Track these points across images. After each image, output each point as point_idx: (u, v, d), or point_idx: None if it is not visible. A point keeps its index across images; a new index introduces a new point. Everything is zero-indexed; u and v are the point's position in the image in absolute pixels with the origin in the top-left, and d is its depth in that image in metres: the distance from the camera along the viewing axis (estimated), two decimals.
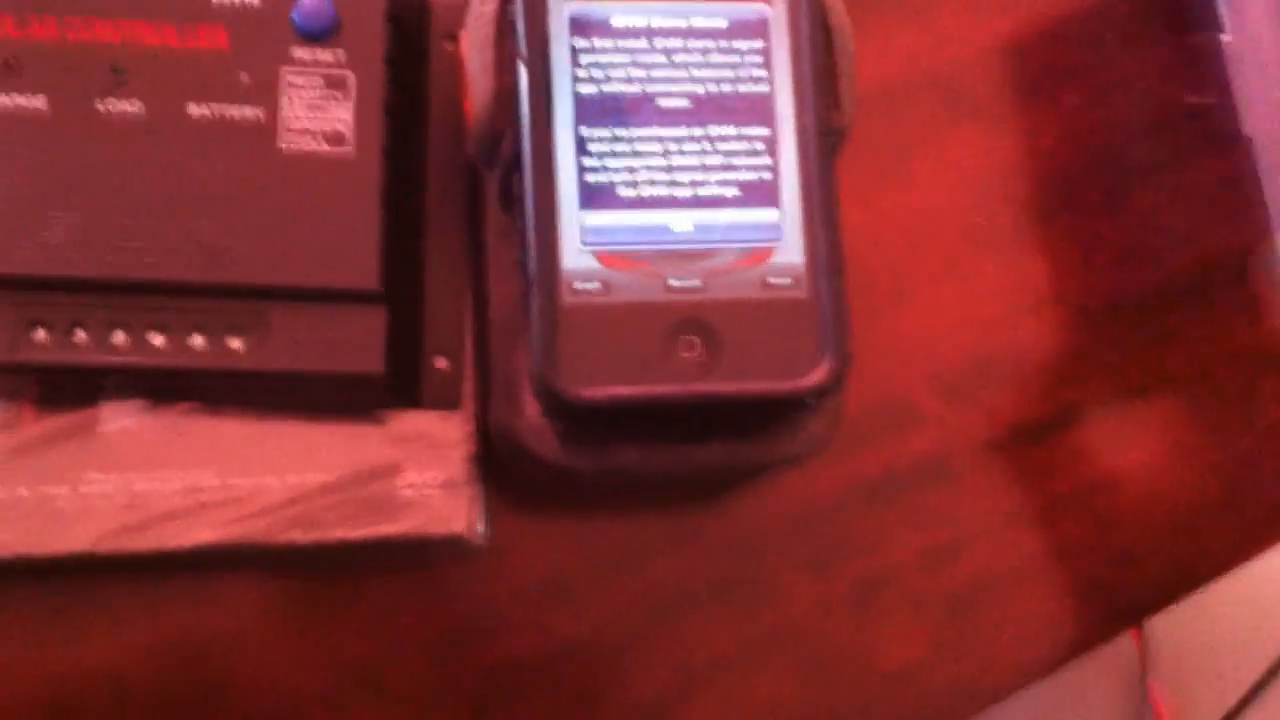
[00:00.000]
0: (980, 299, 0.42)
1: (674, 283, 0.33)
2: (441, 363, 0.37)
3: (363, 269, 0.34)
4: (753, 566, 0.39)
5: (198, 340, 0.33)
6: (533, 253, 0.32)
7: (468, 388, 0.37)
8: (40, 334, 0.32)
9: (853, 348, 0.40)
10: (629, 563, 0.38)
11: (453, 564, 0.37)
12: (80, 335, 0.33)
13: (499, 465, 0.37)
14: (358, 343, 0.34)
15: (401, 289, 0.36)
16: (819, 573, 0.39)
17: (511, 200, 0.34)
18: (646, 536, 0.39)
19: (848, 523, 0.40)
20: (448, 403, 0.37)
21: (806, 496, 0.40)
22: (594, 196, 0.33)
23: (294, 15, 0.34)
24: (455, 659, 0.37)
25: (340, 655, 0.36)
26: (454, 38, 0.38)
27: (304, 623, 0.36)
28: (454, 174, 0.38)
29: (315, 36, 0.34)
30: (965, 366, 0.41)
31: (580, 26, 0.34)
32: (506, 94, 0.34)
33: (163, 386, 0.35)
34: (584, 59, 0.34)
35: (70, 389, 0.35)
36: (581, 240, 0.33)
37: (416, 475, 0.36)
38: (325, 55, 0.34)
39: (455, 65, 0.37)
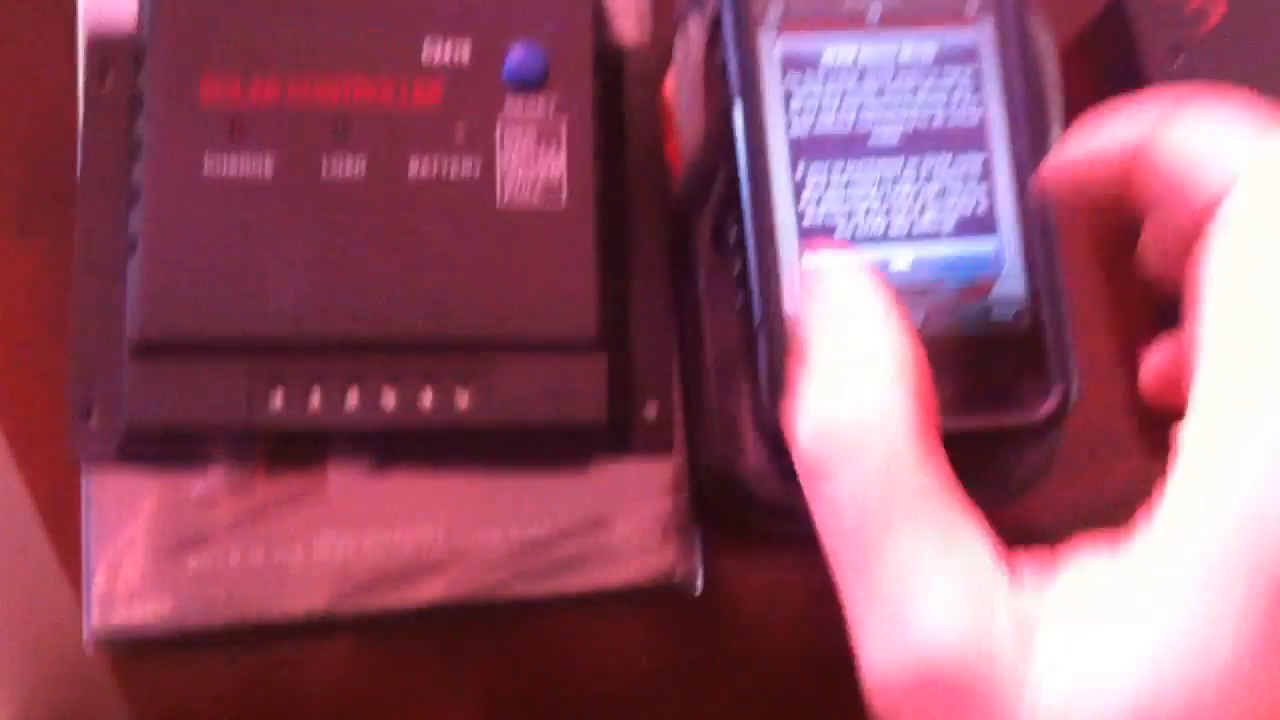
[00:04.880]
0: None
1: None
2: (652, 408, 0.37)
3: (582, 318, 0.34)
4: None
5: (427, 395, 0.33)
6: (756, 298, 0.32)
7: (678, 432, 0.37)
8: (277, 397, 0.33)
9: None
10: None
11: (664, 607, 0.37)
12: (315, 396, 0.33)
13: (711, 509, 0.37)
14: (580, 392, 0.34)
15: (614, 336, 0.36)
16: None
17: (725, 243, 0.34)
18: None
19: None
20: (660, 447, 0.37)
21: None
22: (811, 238, 0.33)
23: (505, 66, 0.34)
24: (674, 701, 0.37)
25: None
26: (647, 79, 0.38)
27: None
28: (655, 217, 0.37)
29: (526, 87, 0.35)
30: None
31: (791, 64, 0.33)
32: (717, 137, 0.34)
33: (390, 443, 0.35)
34: (796, 98, 0.33)
35: (300, 449, 0.35)
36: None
37: (633, 523, 0.36)
38: (536, 105, 0.35)
39: (654, 109, 0.37)
